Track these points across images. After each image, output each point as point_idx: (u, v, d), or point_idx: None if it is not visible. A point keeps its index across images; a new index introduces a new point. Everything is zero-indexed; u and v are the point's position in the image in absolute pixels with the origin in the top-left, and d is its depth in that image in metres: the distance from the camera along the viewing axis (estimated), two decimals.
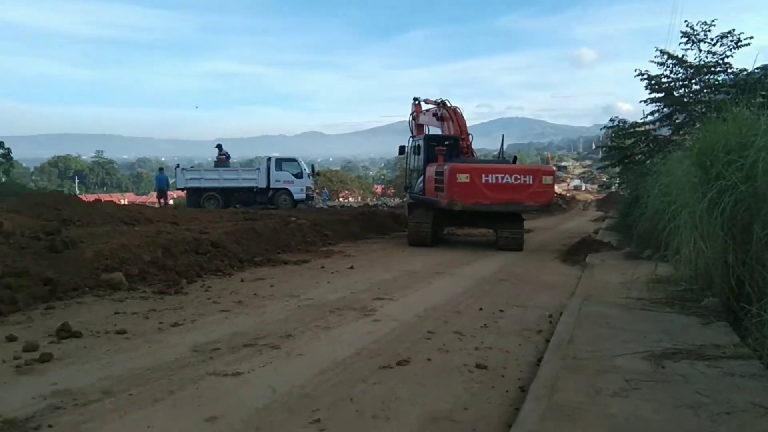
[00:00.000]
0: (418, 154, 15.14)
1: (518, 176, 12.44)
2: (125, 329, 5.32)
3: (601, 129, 13.57)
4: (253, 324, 5.70)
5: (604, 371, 4.20)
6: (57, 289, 6.55)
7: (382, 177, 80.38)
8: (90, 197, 15.69)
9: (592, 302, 6.80)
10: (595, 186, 65.27)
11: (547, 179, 12.80)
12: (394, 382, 4.14)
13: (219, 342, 5.00)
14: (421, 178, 14.40)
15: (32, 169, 67.94)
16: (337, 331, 5.54)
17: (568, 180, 71.90)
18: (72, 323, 5.20)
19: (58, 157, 76.25)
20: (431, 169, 13.30)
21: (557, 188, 51.05)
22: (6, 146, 22.51)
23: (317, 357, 4.68)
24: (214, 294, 7.15)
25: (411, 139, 16.27)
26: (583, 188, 64.16)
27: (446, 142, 14.22)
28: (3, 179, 24.97)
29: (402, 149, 16.63)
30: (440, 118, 15.76)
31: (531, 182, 12.47)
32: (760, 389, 3.72)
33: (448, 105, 15.61)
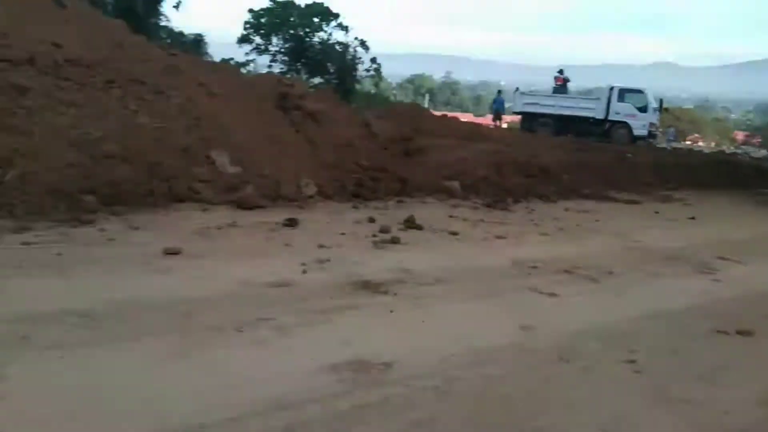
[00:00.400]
0: None
1: None
2: (457, 231, 5.91)
3: None
4: (572, 253, 5.64)
5: None
6: (406, 187, 7.61)
7: (748, 122, 66.92)
8: (438, 113, 17.39)
9: None
10: None
11: None
12: (730, 351, 3.63)
13: (538, 261, 5.13)
14: None
15: (394, 85, 78.33)
16: (665, 281, 5.07)
17: None
18: (416, 217, 6.02)
19: (414, 75, 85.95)
20: None
21: None
22: (378, 62, 26.28)
23: (639, 300, 4.41)
24: (537, 216, 7.28)
25: None
26: None
27: None
28: (373, 91, 29.53)
29: None
30: None
31: None
32: None
33: None
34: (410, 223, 5.85)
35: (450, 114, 27.83)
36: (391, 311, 3.59)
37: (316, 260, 4.38)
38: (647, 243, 6.44)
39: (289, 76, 23.66)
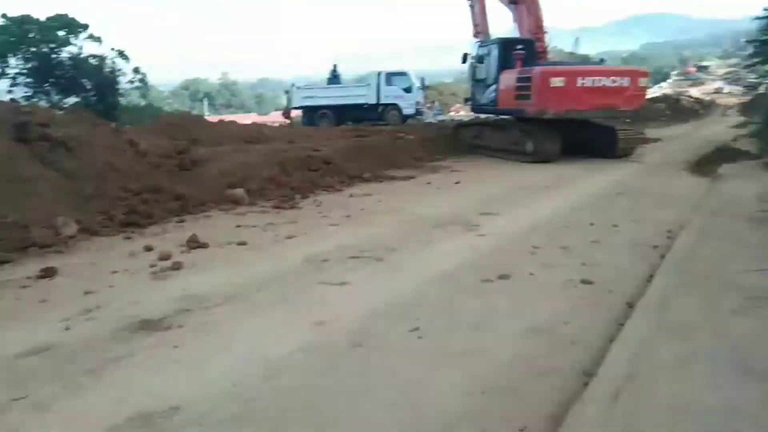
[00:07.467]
0: (483, 62, 13.76)
1: (615, 78, 11.53)
2: (245, 241, 5.78)
3: (752, 20, 11.67)
4: (359, 238, 5.91)
5: (724, 289, 3.89)
6: (187, 204, 7.20)
7: None
8: (215, 118, 16.72)
9: (720, 216, 6.21)
10: (740, 87, 57.09)
11: (643, 81, 12.01)
12: (495, 296, 4.15)
13: (328, 254, 5.27)
14: (492, 87, 13.23)
15: (166, 93, 73.31)
16: (440, 246, 5.60)
17: (709, 82, 63.75)
18: (200, 235, 5.73)
19: (188, 80, 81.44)
20: (509, 77, 12.33)
21: (695, 91, 45.64)
22: (142, 72, 24.31)
23: (419, 270, 4.79)
24: (324, 208, 7.48)
25: (477, 44, 14.44)
26: (726, 90, 56.74)
27: (519, 47, 12.48)
28: (141, 103, 27.25)
29: (465, 58, 14.58)
30: (514, 1, 14.07)
31: (627, 85, 11.53)
32: None
33: None
34: (194, 243, 5.55)
35: (232, 117, 26.88)
36: (175, 347, 3.37)
37: (81, 311, 3.89)
38: (422, 213, 7.03)
39: (35, 100, 20.65)
